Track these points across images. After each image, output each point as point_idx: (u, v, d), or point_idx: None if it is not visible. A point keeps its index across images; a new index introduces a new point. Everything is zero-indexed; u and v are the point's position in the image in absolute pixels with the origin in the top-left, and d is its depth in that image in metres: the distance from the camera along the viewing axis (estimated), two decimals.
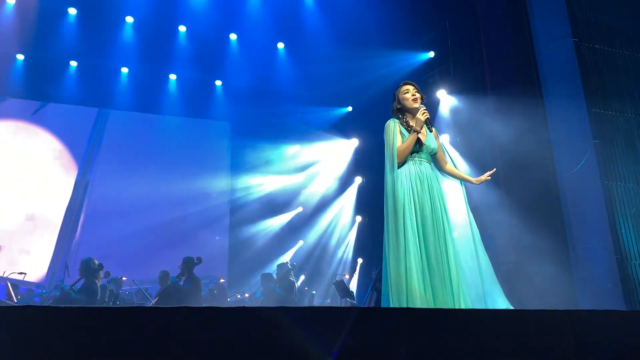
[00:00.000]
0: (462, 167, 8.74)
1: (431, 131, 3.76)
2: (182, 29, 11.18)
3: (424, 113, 3.62)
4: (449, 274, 3.35)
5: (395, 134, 3.63)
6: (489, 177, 4.00)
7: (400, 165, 3.59)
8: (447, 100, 9.22)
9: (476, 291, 3.52)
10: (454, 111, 9.00)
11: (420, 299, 3.23)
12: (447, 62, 9.34)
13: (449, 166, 3.93)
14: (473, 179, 3.94)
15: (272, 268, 10.49)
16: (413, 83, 3.82)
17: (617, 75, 6.91)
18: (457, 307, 3.27)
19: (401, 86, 3.83)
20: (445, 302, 3.27)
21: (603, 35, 7.03)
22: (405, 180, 3.53)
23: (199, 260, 7.83)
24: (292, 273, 9.32)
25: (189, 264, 7.77)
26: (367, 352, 1.93)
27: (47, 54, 11.08)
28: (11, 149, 11.65)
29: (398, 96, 3.80)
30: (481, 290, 3.52)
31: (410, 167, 3.59)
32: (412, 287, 3.25)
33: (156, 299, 7.67)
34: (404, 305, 3.20)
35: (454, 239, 3.55)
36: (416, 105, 3.71)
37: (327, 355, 1.83)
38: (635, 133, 6.72)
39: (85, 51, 11.11)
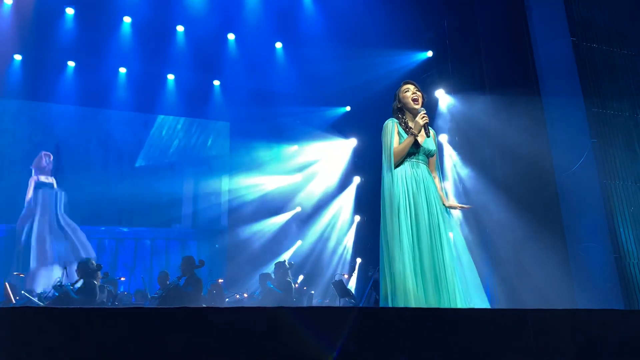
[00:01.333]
0: (460, 167, 8.76)
1: (429, 135, 3.76)
2: (180, 28, 11.17)
3: (424, 117, 3.63)
4: (444, 274, 3.35)
5: (393, 134, 3.64)
6: (460, 208, 3.98)
7: (397, 166, 3.59)
8: (445, 100, 9.23)
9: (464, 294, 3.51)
10: (453, 110, 9.01)
11: (414, 299, 3.23)
12: (446, 61, 9.34)
13: (434, 175, 3.84)
14: (444, 199, 3.78)
15: (271, 268, 10.49)
16: (414, 82, 3.83)
17: (615, 74, 6.92)
18: (452, 307, 3.27)
19: (402, 85, 3.83)
20: (438, 302, 3.28)
21: (601, 35, 7.04)
22: (401, 181, 3.53)
23: (202, 263, 7.73)
24: (289, 272, 9.32)
25: (190, 263, 7.67)
26: (366, 352, 1.93)
27: (45, 54, 11.06)
28: (10, 146, 11.62)
29: (398, 95, 3.81)
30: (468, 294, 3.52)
31: (407, 168, 3.60)
32: (406, 287, 3.26)
33: (155, 301, 7.64)
34: (400, 305, 3.21)
35: (449, 240, 3.54)
36: (416, 106, 3.71)
37: (327, 355, 1.83)
38: (633, 132, 6.73)
39: (83, 51, 11.09)
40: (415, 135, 3.61)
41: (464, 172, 8.66)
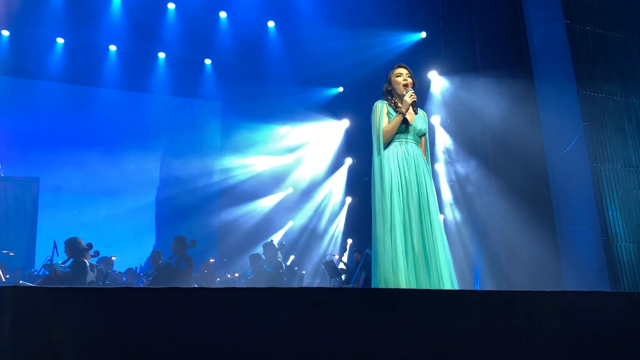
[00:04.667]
0: (451, 149, 8.76)
1: (417, 113, 3.74)
2: (171, 6, 11.02)
3: (412, 96, 3.61)
4: (434, 253, 3.37)
5: (382, 115, 3.63)
6: None
7: (387, 145, 3.59)
8: (438, 81, 9.20)
9: None
10: (445, 92, 8.99)
11: (404, 278, 3.26)
12: (439, 42, 9.29)
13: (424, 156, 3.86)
14: None
15: (261, 249, 10.52)
16: (407, 67, 3.79)
17: (608, 57, 6.91)
18: (442, 287, 3.30)
19: (395, 68, 3.80)
20: (428, 283, 3.30)
21: (595, 18, 7.01)
22: (392, 161, 3.53)
23: (193, 243, 7.70)
24: (279, 253, 9.36)
25: (181, 243, 7.65)
26: (354, 333, 1.94)
27: (34, 30, 10.89)
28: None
29: (390, 78, 3.78)
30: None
31: (397, 147, 3.59)
32: (397, 266, 3.28)
33: (147, 280, 7.65)
34: (390, 285, 3.23)
35: (439, 219, 3.56)
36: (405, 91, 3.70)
37: (317, 335, 1.84)
38: (624, 116, 6.75)
39: (73, 28, 10.92)
40: (404, 114, 3.59)
41: (455, 153, 8.67)
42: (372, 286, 3.48)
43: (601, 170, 6.36)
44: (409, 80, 3.73)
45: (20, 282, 7.72)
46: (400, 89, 3.70)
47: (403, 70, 3.77)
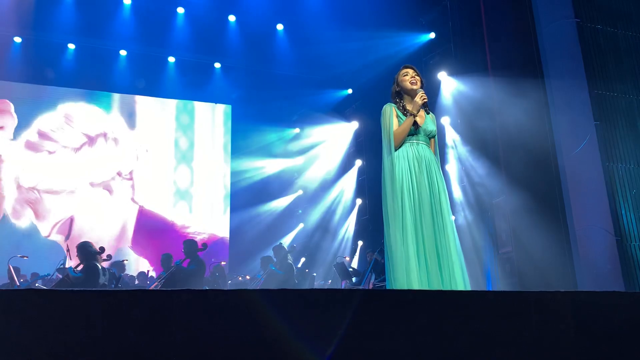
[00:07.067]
0: (462, 149, 8.73)
1: (428, 113, 3.74)
2: (180, 10, 11.09)
3: (423, 97, 3.60)
4: (446, 254, 3.35)
5: (392, 118, 3.63)
6: None
7: (397, 148, 3.59)
8: (448, 82, 9.17)
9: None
10: (455, 93, 8.96)
11: (417, 280, 3.24)
12: (448, 43, 9.26)
13: None
14: None
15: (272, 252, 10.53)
16: (413, 67, 3.80)
17: (619, 56, 6.86)
18: (454, 288, 3.28)
19: (401, 69, 3.81)
20: (441, 283, 3.29)
21: (605, 16, 6.96)
22: (403, 162, 3.52)
23: (204, 246, 7.71)
24: (289, 255, 9.36)
25: (192, 247, 7.67)
26: (367, 334, 1.94)
27: (45, 36, 11.01)
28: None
29: (397, 79, 3.79)
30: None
31: (407, 149, 3.59)
32: (409, 268, 3.26)
33: (158, 283, 7.68)
34: (403, 286, 3.22)
35: (452, 220, 3.54)
36: (414, 87, 3.68)
37: (330, 337, 1.84)
38: (636, 114, 6.69)
39: (83, 34, 11.03)
40: (415, 115, 3.59)
41: (466, 154, 8.64)
42: (387, 287, 3.46)
43: (614, 170, 6.31)
44: (417, 78, 3.72)
45: (37, 285, 7.79)
46: (408, 86, 3.70)
47: (409, 70, 3.76)
